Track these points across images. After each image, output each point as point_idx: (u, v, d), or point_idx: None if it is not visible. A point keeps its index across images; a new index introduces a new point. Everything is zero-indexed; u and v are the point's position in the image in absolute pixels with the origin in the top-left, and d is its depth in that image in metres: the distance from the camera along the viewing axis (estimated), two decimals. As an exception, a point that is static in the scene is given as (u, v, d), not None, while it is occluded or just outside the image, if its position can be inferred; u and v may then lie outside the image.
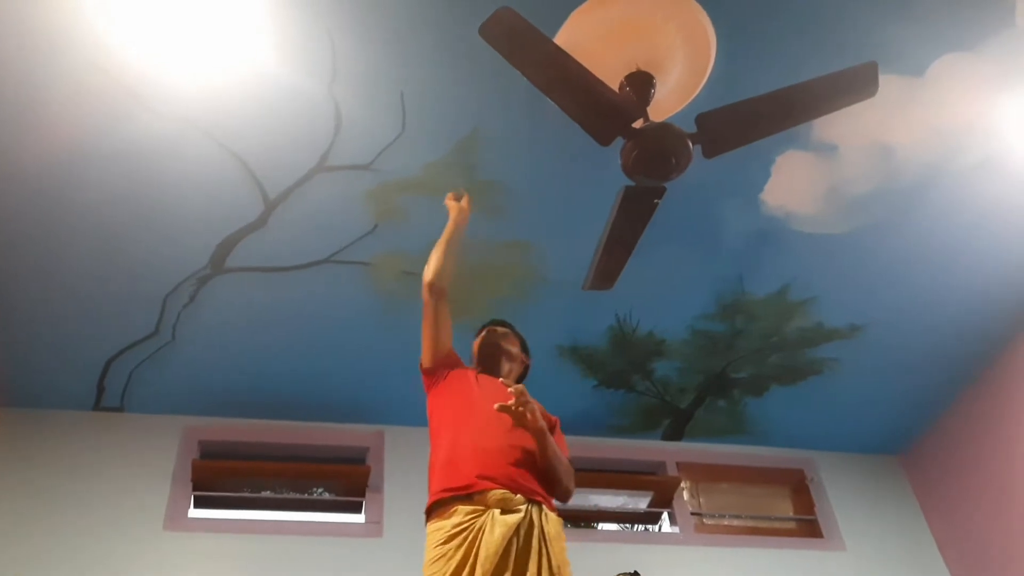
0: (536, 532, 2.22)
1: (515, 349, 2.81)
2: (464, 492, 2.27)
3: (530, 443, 2.39)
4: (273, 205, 3.52)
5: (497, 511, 2.21)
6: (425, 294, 2.66)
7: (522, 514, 2.22)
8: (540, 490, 2.34)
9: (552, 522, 2.27)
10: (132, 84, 3.06)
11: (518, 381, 2.72)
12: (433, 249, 2.74)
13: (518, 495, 2.27)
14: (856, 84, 2.60)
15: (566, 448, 2.56)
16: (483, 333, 2.84)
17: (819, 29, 3.10)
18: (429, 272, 2.67)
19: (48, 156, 3.24)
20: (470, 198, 2.91)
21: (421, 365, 2.68)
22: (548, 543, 2.22)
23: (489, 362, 2.75)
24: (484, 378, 2.65)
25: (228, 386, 4.20)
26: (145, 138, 3.22)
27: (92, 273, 3.64)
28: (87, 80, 3.02)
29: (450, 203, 2.88)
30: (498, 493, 2.25)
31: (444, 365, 2.65)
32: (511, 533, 2.17)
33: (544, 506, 2.30)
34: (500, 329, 2.83)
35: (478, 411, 2.47)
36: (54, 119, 3.14)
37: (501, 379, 2.57)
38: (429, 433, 2.55)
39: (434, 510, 2.31)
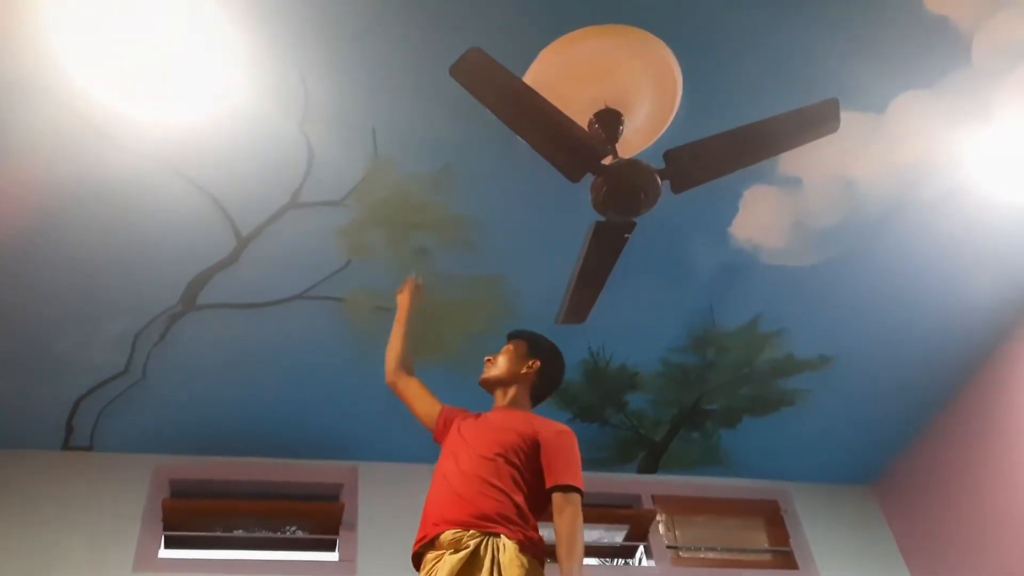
0: (486, 563, 2.18)
1: (508, 365, 2.73)
2: (426, 541, 2.29)
3: (499, 474, 2.37)
4: (245, 242, 3.52)
5: (449, 552, 2.22)
6: (392, 387, 2.83)
7: (469, 550, 2.20)
8: (500, 520, 2.28)
9: (507, 550, 2.22)
10: (102, 123, 3.06)
11: (541, 383, 2.73)
12: (390, 341, 2.90)
13: (471, 531, 2.25)
14: (819, 120, 2.67)
15: (563, 473, 2.41)
16: None
17: (783, 67, 3.17)
18: (388, 371, 2.84)
19: (17, 196, 3.23)
20: (414, 282, 3.08)
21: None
22: (501, 572, 2.19)
23: (494, 397, 2.75)
24: (482, 417, 2.64)
25: (199, 424, 4.16)
26: (116, 177, 3.22)
27: (61, 312, 3.61)
28: (56, 120, 3.02)
29: (402, 297, 3.04)
30: (449, 534, 2.25)
31: (441, 431, 2.68)
32: (455, 571, 2.16)
33: (503, 536, 2.24)
34: (487, 360, 2.79)
35: (448, 456, 2.49)
36: (23, 159, 3.13)
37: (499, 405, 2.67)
38: None
39: (415, 564, 2.34)
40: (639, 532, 4.69)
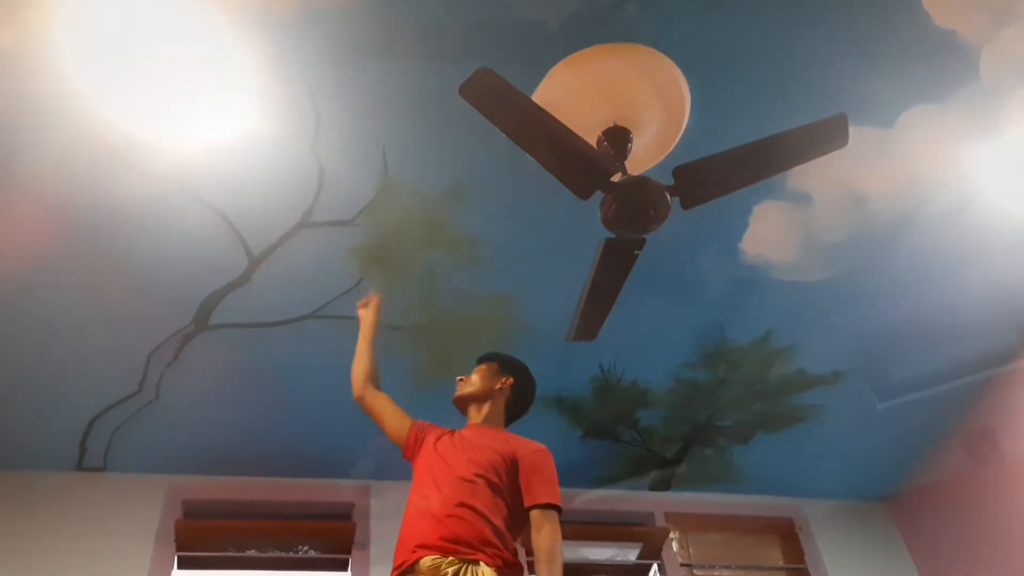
0: None
1: (482, 382, 2.76)
2: (404, 568, 2.28)
3: (478, 496, 2.37)
4: (257, 262, 3.54)
5: None
6: (360, 402, 2.83)
7: None
8: (479, 545, 2.28)
9: None
10: (117, 144, 3.09)
11: (515, 400, 2.75)
12: (356, 356, 2.90)
13: (449, 557, 2.24)
14: (827, 135, 2.68)
15: (542, 492, 2.44)
16: None
17: (791, 83, 3.18)
18: (355, 386, 2.84)
19: (31, 216, 3.26)
20: (378, 299, 3.06)
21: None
22: None
23: (467, 415, 2.77)
24: (456, 434, 2.64)
25: (212, 444, 4.17)
26: (128, 197, 3.24)
27: (74, 332, 3.63)
28: (70, 140, 3.04)
29: (363, 311, 3.03)
30: (428, 561, 2.24)
31: (412, 447, 2.68)
32: None
33: (482, 563, 2.24)
34: (460, 380, 2.82)
35: (425, 475, 2.49)
36: (37, 179, 3.15)
37: (474, 423, 2.66)
38: None
39: None
40: (652, 550, 4.67)
